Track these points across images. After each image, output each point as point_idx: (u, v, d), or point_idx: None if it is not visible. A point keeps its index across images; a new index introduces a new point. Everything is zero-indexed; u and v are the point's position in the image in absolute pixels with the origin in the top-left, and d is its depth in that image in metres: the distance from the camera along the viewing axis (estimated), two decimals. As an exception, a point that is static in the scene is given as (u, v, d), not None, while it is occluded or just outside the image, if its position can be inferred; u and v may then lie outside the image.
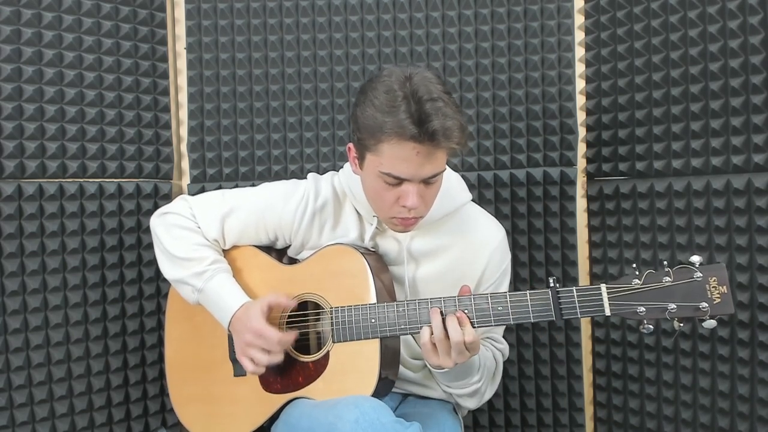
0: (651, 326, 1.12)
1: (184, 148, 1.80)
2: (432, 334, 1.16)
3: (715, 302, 1.09)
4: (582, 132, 1.75)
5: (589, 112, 1.74)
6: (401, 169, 1.15)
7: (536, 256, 1.76)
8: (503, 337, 1.42)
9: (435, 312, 1.16)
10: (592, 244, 1.75)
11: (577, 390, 1.76)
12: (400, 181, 1.17)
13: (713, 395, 1.53)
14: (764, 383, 1.43)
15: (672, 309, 1.09)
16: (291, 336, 1.25)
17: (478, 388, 1.30)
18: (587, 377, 1.77)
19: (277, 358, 1.24)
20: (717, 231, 1.49)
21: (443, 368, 1.19)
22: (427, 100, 1.11)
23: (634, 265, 1.15)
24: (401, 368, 1.34)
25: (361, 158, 1.22)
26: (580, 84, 1.75)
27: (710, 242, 1.50)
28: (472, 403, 1.34)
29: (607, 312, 1.12)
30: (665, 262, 1.12)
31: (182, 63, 1.79)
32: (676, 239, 1.56)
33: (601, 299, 1.12)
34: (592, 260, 1.75)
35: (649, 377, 1.64)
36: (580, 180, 1.75)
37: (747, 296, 1.45)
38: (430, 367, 1.25)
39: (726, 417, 1.50)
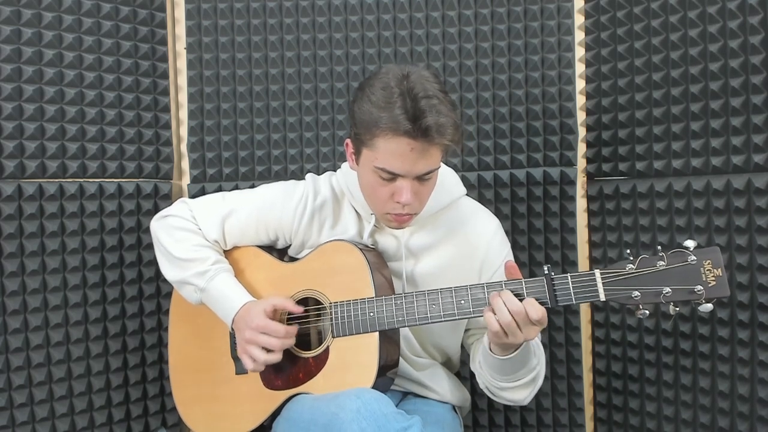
0: (647, 311, 1.12)
1: (184, 148, 1.80)
2: (498, 320, 1.13)
3: (710, 285, 1.08)
4: (582, 132, 1.75)
5: (589, 112, 1.74)
6: (395, 164, 1.16)
7: (536, 256, 1.76)
8: None
9: (494, 296, 1.14)
10: (592, 244, 1.75)
11: (577, 390, 1.76)
12: (394, 176, 1.18)
13: (713, 395, 1.53)
14: (764, 383, 1.43)
15: (667, 293, 1.09)
16: (294, 328, 1.26)
17: (538, 371, 1.27)
18: (587, 377, 1.77)
19: (276, 357, 1.24)
20: (717, 231, 1.49)
21: (514, 346, 1.17)
22: (423, 97, 1.12)
23: (628, 251, 1.15)
24: (404, 365, 1.35)
25: (357, 153, 1.23)
26: (580, 84, 1.75)
27: (710, 242, 1.50)
28: (525, 393, 1.29)
29: (602, 297, 1.12)
30: (659, 247, 1.12)
31: (182, 63, 1.79)
32: (676, 239, 1.56)
33: (596, 285, 1.12)
34: (592, 260, 1.75)
35: (649, 377, 1.64)
36: (580, 180, 1.75)
37: (747, 296, 1.45)
38: (494, 358, 1.21)
39: (726, 417, 1.50)
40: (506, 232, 1.44)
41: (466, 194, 1.42)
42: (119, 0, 1.69)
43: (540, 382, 1.30)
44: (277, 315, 1.28)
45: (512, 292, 1.14)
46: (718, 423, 1.52)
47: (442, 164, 1.35)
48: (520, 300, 1.13)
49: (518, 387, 1.27)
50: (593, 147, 1.73)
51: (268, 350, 1.24)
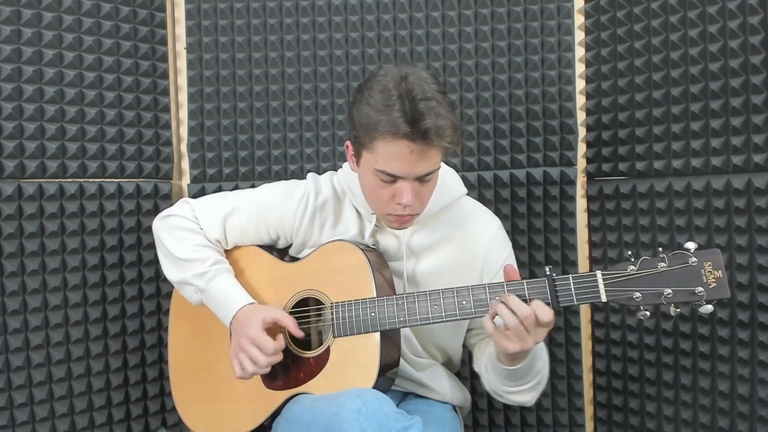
0: (648, 312, 1.12)
1: (184, 148, 1.80)
2: (494, 317, 1.12)
3: (710, 287, 1.09)
4: (582, 132, 1.76)
5: (589, 112, 1.74)
6: (395, 166, 1.16)
7: (536, 256, 1.76)
8: None
9: (496, 303, 1.13)
10: (592, 244, 1.75)
11: (577, 390, 1.76)
12: (394, 178, 1.18)
13: (713, 395, 1.53)
14: (764, 383, 1.44)
15: (668, 294, 1.10)
16: (281, 343, 1.24)
17: (543, 374, 1.28)
18: (587, 377, 1.77)
19: (263, 371, 1.24)
20: (717, 231, 1.49)
21: (525, 353, 1.16)
22: (421, 99, 1.12)
23: (630, 252, 1.16)
24: (404, 365, 1.34)
25: (357, 155, 1.24)
26: (580, 84, 1.75)
27: (710, 242, 1.50)
28: (531, 395, 1.29)
29: (603, 298, 1.12)
30: (660, 249, 1.13)
31: (182, 63, 1.79)
32: (676, 239, 1.56)
33: (597, 286, 1.13)
34: (592, 260, 1.75)
35: (649, 377, 1.64)
36: (580, 180, 1.75)
37: (747, 296, 1.45)
38: (503, 368, 1.21)
39: (726, 417, 1.50)
40: (506, 232, 1.44)
41: (467, 194, 1.42)
42: (119, 0, 1.69)
43: (545, 382, 1.30)
44: (276, 325, 1.28)
45: (514, 293, 1.14)
46: (718, 423, 1.52)
47: (442, 164, 1.35)
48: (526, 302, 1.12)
49: (525, 390, 1.27)
50: (593, 147, 1.73)
51: None
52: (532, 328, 1.11)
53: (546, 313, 1.10)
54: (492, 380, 1.29)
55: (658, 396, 1.63)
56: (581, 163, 1.76)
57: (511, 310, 1.11)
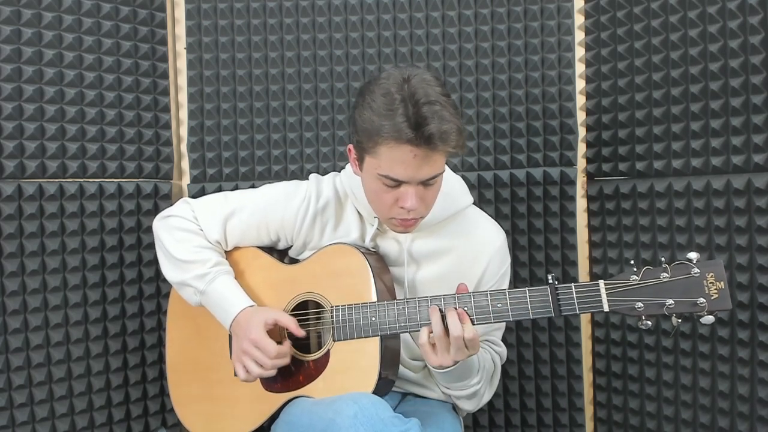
0: (649, 322, 1.12)
1: (184, 148, 1.80)
2: (431, 333, 1.16)
3: (712, 298, 1.09)
4: (582, 132, 1.75)
5: (589, 112, 1.74)
6: (399, 171, 1.15)
7: (536, 256, 1.76)
8: (501, 339, 1.43)
9: (434, 310, 1.16)
10: (592, 244, 1.75)
11: (577, 390, 1.76)
12: (398, 183, 1.17)
13: (713, 395, 1.53)
14: (764, 383, 1.44)
15: (670, 305, 1.10)
16: (287, 347, 1.25)
17: (477, 390, 1.30)
18: (587, 377, 1.77)
19: (268, 373, 1.24)
20: (717, 231, 1.49)
21: (444, 368, 1.19)
22: (425, 103, 1.11)
23: (632, 262, 1.16)
24: (401, 368, 1.34)
25: (360, 160, 1.23)
26: (580, 84, 1.75)
27: (710, 242, 1.50)
28: (470, 405, 1.35)
29: (606, 308, 1.12)
30: (663, 259, 1.13)
31: (182, 63, 1.79)
32: (676, 239, 1.56)
33: (600, 295, 1.12)
34: (592, 260, 1.75)
35: (649, 377, 1.64)
36: (580, 180, 1.75)
37: (747, 296, 1.45)
38: (431, 367, 1.25)
39: (726, 417, 1.50)
40: (506, 232, 1.44)
41: (474, 203, 1.41)
42: (119, 0, 1.69)
43: (485, 399, 1.35)
44: (277, 326, 1.28)
45: (511, 302, 1.15)
46: (718, 423, 1.52)
47: (451, 172, 1.35)
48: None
49: (461, 397, 1.32)
50: (593, 147, 1.73)
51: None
52: (456, 346, 1.14)
53: (468, 331, 1.14)
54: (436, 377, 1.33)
55: (658, 396, 1.63)
56: (581, 163, 1.76)
57: (444, 320, 1.14)
